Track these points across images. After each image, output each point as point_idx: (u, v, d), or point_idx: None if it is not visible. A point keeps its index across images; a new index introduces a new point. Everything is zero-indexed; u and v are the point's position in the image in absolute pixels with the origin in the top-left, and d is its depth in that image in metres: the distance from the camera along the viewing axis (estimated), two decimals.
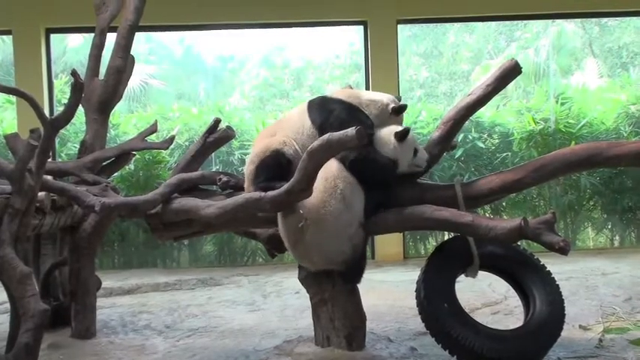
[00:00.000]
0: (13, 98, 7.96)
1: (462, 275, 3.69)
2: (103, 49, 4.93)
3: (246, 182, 3.74)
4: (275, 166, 3.60)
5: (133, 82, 10.96)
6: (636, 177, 7.90)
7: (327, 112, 3.64)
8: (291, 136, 3.68)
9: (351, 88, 4.05)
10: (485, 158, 8.09)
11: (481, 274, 3.70)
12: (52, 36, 7.79)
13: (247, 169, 3.74)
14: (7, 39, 8.87)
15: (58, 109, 7.54)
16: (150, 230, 3.98)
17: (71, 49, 11.87)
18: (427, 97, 11.65)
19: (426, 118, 8.22)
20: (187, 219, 3.74)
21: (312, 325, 3.89)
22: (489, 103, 3.85)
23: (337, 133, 3.09)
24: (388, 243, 7.14)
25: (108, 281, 6.01)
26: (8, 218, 3.35)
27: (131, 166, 7.53)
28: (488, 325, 3.63)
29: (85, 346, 4.22)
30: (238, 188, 3.85)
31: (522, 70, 3.63)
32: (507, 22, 11.57)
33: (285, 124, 3.81)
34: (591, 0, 7.73)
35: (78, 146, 4.94)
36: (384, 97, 3.79)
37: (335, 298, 3.68)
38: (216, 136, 4.14)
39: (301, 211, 3.37)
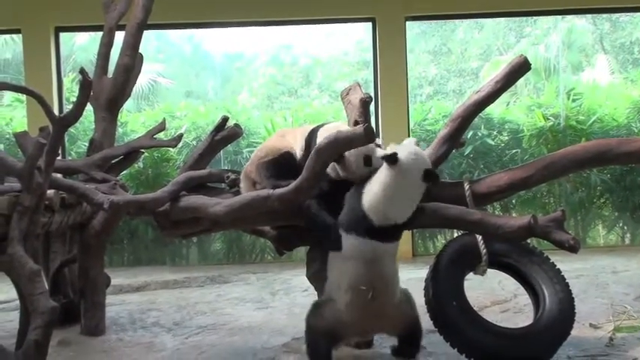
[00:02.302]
0: (23, 97, 8.00)
1: (471, 273, 3.67)
2: (111, 48, 4.95)
3: (249, 163, 3.75)
4: (285, 164, 3.60)
5: (142, 81, 10.97)
6: None
7: None
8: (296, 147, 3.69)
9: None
10: (494, 155, 8.06)
11: (491, 272, 3.68)
12: (61, 34, 7.82)
13: (256, 155, 3.74)
14: (17, 38, 8.92)
15: (68, 108, 7.57)
16: (158, 228, 3.98)
17: (79, 47, 11.90)
18: (436, 94, 11.60)
19: (434, 115, 8.20)
20: (195, 217, 3.73)
21: None
22: (499, 99, 3.82)
23: (345, 130, 3.10)
24: None
25: (117, 278, 6.04)
26: (17, 216, 3.36)
27: (140, 164, 7.56)
28: (498, 324, 3.62)
29: (95, 343, 4.24)
30: None
31: (532, 66, 3.60)
32: (517, 18, 11.50)
33: (293, 135, 3.81)
34: None
35: (87, 144, 4.96)
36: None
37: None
38: (224, 134, 4.14)
39: (363, 287, 3.20)
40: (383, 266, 3.23)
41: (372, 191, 3.17)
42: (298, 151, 3.65)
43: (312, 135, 3.61)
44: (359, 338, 3.63)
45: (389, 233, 3.22)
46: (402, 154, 3.14)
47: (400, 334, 3.46)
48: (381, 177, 3.17)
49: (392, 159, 3.12)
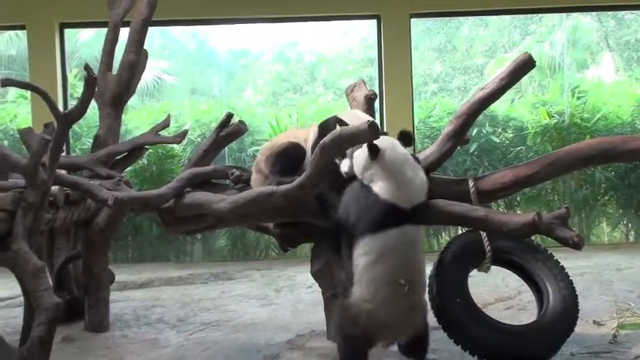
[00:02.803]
0: (27, 93, 8.02)
1: (475, 270, 3.67)
2: (116, 44, 4.96)
3: (259, 155, 3.78)
4: (292, 157, 3.61)
5: (146, 77, 10.98)
6: None
7: None
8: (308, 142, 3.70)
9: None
10: (499, 152, 8.05)
11: (494, 269, 3.67)
12: (66, 31, 7.83)
13: (265, 147, 3.79)
14: (22, 34, 8.93)
15: (72, 104, 7.58)
16: (162, 224, 3.99)
17: (83, 43, 11.92)
18: (441, 92, 11.60)
19: (439, 112, 8.19)
20: (199, 213, 3.73)
21: (324, 319, 3.89)
22: (504, 97, 3.80)
23: (350, 126, 3.09)
24: None
25: (121, 275, 6.05)
26: (22, 212, 3.37)
27: (144, 160, 7.57)
28: (501, 320, 3.61)
29: (99, 340, 4.25)
30: None
31: (536, 63, 3.58)
32: (522, 16, 11.49)
33: (306, 132, 3.82)
34: None
35: (91, 141, 4.97)
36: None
37: (347, 293, 3.66)
38: (229, 131, 4.14)
39: (402, 281, 3.16)
40: (417, 253, 3.22)
41: (387, 185, 3.17)
42: (310, 144, 3.64)
43: (327, 122, 3.59)
44: (392, 340, 3.51)
45: (418, 214, 3.22)
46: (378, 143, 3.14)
47: (414, 335, 3.44)
48: (381, 172, 3.17)
49: (374, 151, 3.12)
